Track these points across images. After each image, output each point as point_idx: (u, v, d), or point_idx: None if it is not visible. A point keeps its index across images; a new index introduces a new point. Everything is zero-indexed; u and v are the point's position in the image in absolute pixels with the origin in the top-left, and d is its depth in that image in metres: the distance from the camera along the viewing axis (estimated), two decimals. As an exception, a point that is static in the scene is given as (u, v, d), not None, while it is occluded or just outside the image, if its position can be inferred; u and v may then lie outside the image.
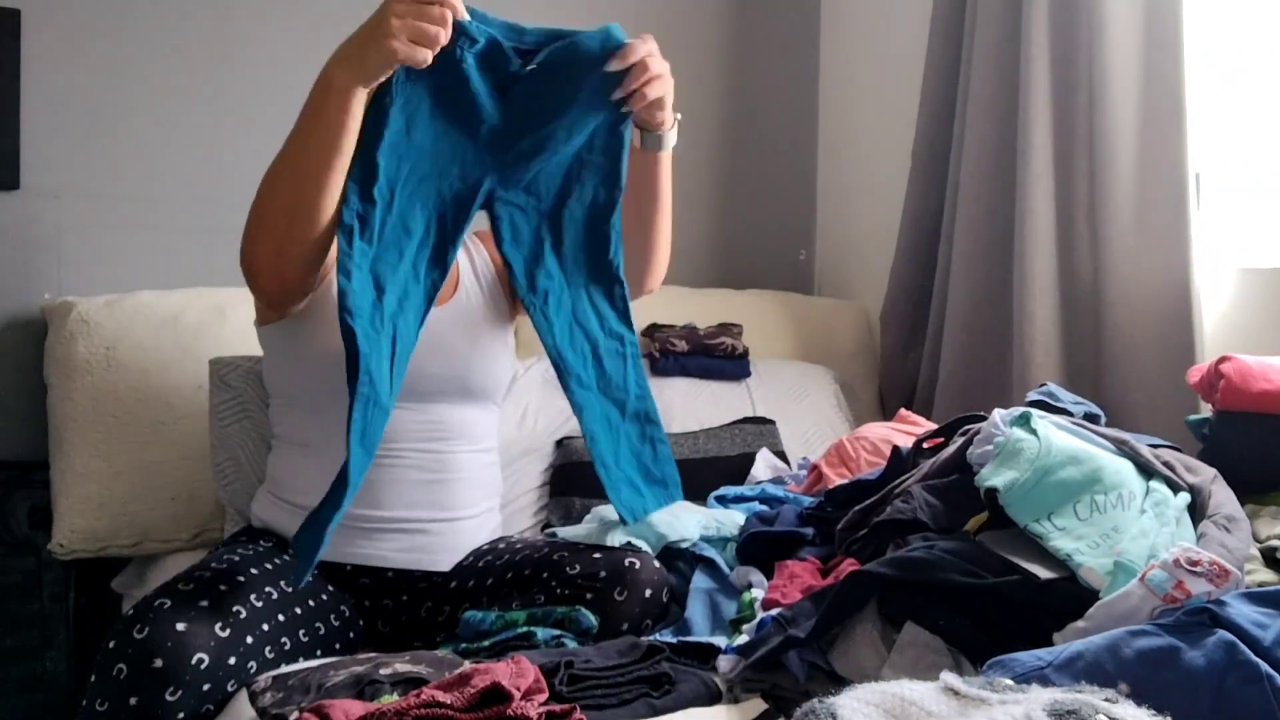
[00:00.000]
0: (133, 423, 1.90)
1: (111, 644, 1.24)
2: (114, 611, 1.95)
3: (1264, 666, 0.89)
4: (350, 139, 1.30)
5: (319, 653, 1.39)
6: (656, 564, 1.47)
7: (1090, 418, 1.47)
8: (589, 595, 1.41)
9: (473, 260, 1.69)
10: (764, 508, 1.72)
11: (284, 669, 1.28)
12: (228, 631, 1.26)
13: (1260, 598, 0.99)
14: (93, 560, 1.92)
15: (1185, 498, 1.27)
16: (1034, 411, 1.32)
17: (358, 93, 1.28)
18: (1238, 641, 0.91)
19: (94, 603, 2.04)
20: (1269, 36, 2.01)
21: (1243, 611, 0.96)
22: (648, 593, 1.43)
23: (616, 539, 1.53)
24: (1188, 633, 0.94)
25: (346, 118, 1.28)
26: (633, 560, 1.45)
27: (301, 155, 1.31)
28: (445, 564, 1.55)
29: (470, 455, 1.61)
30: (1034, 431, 1.26)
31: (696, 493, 1.90)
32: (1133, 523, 1.19)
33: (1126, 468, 1.28)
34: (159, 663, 1.20)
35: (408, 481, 1.53)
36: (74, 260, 2.10)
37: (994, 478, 1.22)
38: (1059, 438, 1.26)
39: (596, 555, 1.47)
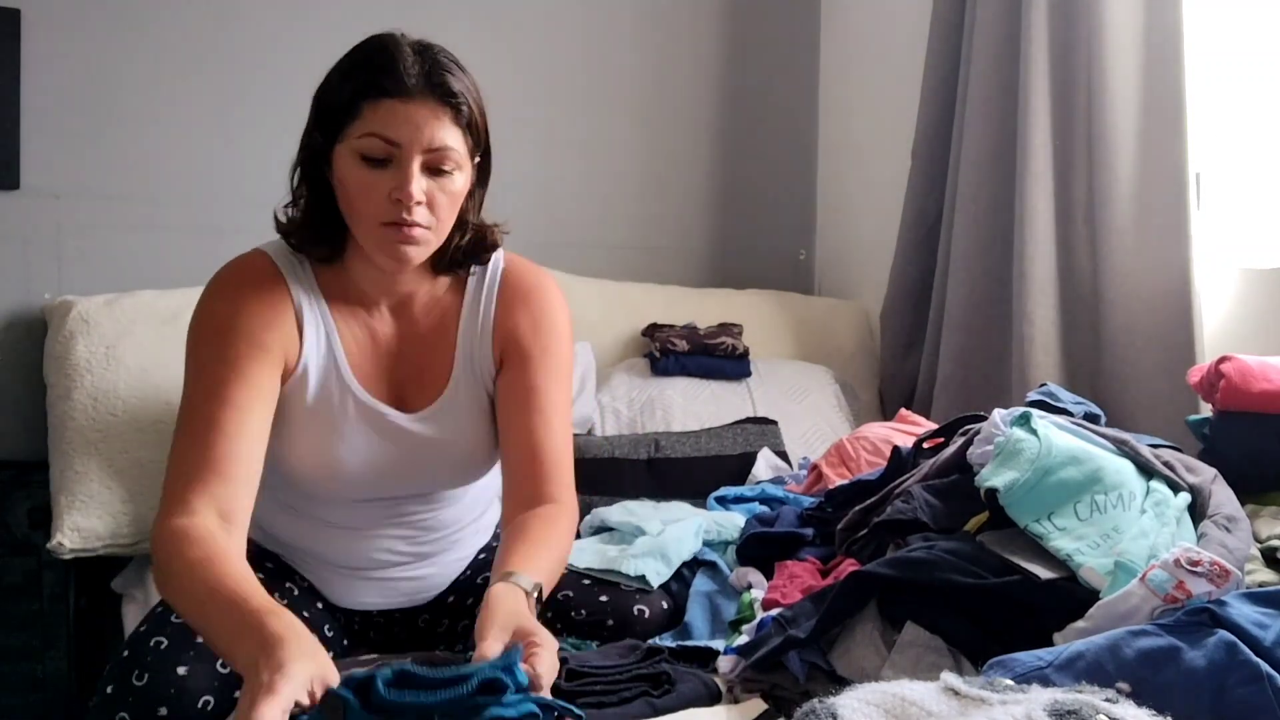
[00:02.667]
0: (133, 422, 1.90)
1: (110, 689, 1.18)
2: (114, 611, 1.94)
3: (1264, 666, 0.88)
4: None
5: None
6: (664, 605, 1.42)
7: (1090, 418, 1.47)
8: (595, 643, 1.35)
9: (473, 336, 1.37)
10: (764, 508, 1.72)
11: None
12: (229, 668, 1.19)
13: (1261, 598, 0.99)
14: (93, 560, 1.92)
15: (1185, 498, 1.26)
16: (1034, 412, 1.31)
17: None
18: (1238, 642, 0.91)
19: (94, 603, 2.03)
20: (1269, 36, 2.01)
21: (1243, 611, 0.95)
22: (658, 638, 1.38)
23: (630, 567, 1.48)
24: (1188, 633, 0.94)
25: None
26: (641, 608, 1.40)
27: (199, 627, 1.10)
28: (428, 597, 1.47)
29: (458, 511, 1.47)
30: (1034, 431, 1.26)
31: (697, 492, 1.91)
32: (1133, 523, 1.18)
33: (1127, 468, 1.27)
34: (164, 711, 1.15)
35: (391, 551, 1.42)
36: (74, 260, 2.10)
37: (994, 478, 1.22)
38: (1059, 438, 1.26)
39: (603, 599, 1.42)
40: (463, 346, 1.35)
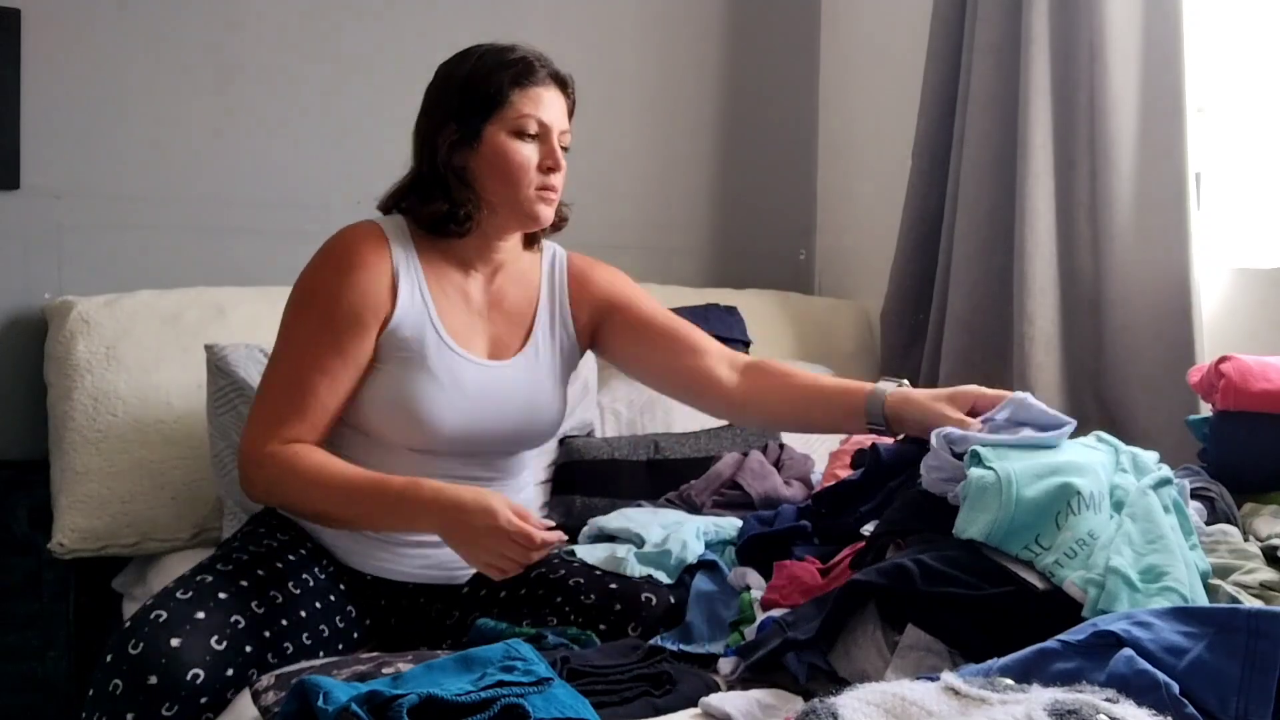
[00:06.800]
0: (133, 422, 1.90)
1: (108, 658, 1.23)
2: (114, 611, 1.94)
3: (1160, 675, 0.86)
4: None
5: (321, 654, 1.39)
6: (672, 599, 1.45)
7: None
8: (601, 626, 1.39)
9: (552, 306, 1.59)
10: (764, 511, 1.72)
11: (287, 668, 1.28)
12: (224, 644, 1.25)
13: (1190, 614, 0.95)
14: (93, 560, 1.92)
15: (1154, 478, 1.24)
16: (980, 449, 1.23)
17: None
18: (1134, 655, 0.88)
19: (94, 603, 2.03)
20: (1269, 36, 2.01)
21: (1161, 635, 0.92)
22: (661, 629, 1.41)
23: (635, 569, 1.50)
24: (1094, 654, 0.92)
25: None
26: (649, 595, 1.43)
27: (347, 518, 1.41)
28: (464, 578, 1.53)
29: (507, 484, 1.57)
30: (990, 466, 1.21)
31: (697, 492, 1.90)
32: (1104, 527, 1.17)
33: (1088, 462, 1.23)
34: (154, 679, 1.20)
35: None
36: (74, 260, 2.09)
37: (970, 528, 1.17)
38: (1016, 463, 1.21)
39: (613, 586, 1.45)
40: (543, 313, 1.58)
